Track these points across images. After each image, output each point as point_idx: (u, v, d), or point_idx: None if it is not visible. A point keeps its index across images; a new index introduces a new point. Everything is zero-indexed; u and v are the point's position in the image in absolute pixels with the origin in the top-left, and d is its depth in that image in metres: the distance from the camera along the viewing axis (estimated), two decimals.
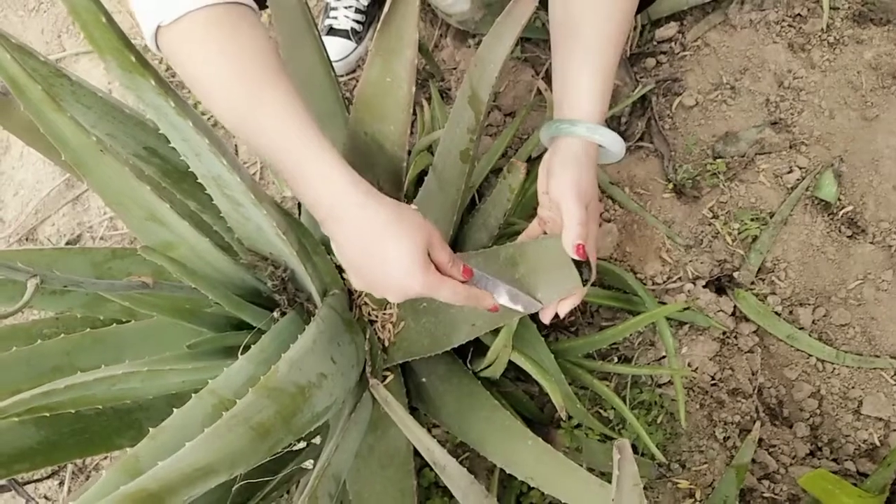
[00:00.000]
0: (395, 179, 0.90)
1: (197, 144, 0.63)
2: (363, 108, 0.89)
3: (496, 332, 0.96)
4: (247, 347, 0.78)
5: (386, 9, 0.79)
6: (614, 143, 0.83)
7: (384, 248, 0.72)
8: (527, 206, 1.16)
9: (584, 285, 0.81)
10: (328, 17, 1.56)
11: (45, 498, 1.36)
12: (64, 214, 1.65)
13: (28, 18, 1.90)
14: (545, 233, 0.88)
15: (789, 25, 1.35)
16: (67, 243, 1.60)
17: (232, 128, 0.71)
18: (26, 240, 1.66)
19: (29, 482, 1.22)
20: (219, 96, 0.70)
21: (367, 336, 0.98)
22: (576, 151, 0.82)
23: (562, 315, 0.85)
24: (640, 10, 1.24)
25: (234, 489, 0.80)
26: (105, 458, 1.30)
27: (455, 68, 1.50)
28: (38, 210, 1.67)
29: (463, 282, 0.77)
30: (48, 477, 1.28)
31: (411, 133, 1.43)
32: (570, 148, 0.83)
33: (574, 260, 0.79)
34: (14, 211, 1.70)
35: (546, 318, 0.86)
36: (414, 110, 1.43)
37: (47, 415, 0.70)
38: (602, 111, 0.83)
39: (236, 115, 0.70)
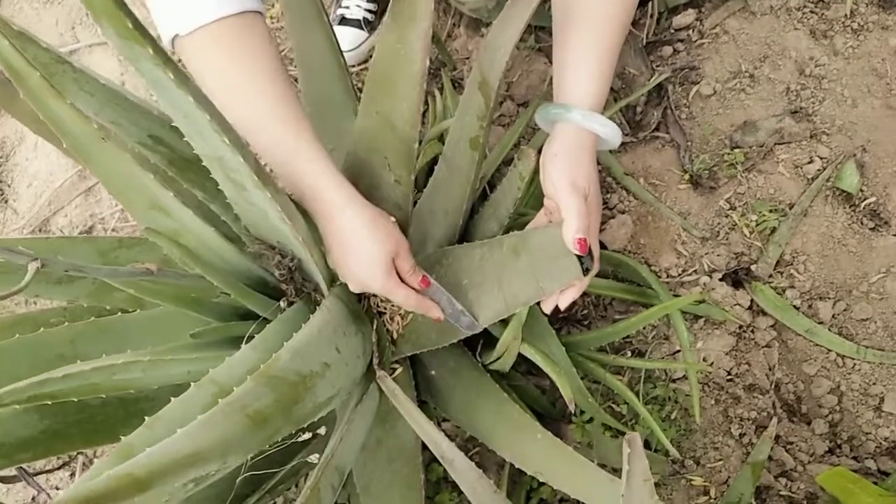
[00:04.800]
0: (406, 161, 0.88)
1: (197, 121, 0.62)
2: (374, 85, 0.87)
3: (505, 324, 0.94)
4: (252, 337, 0.77)
5: None
6: (609, 132, 0.82)
7: (354, 247, 0.82)
8: (538, 196, 1.13)
9: (584, 275, 0.80)
10: (340, 6, 1.55)
11: (57, 489, 1.36)
12: (77, 206, 1.66)
13: (43, 10, 1.90)
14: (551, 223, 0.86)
15: (811, 11, 1.31)
16: (80, 234, 1.61)
17: (242, 130, 0.76)
18: (40, 231, 1.67)
19: (40, 473, 1.22)
20: (231, 103, 0.75)
21: (375, 327, 0.97)
22: (569, 141, 0.81)
23: (562, 307, 0.84)
24: None
25: (238, 480, 0.79)
26: (113, 448, 1.30)
27: (468, 58, 1.47)
28: (52, 201, 1.68)
29: (419, 291, 0.86)
30: (59, 468, 1.28)
31: (423, 123, 1.41)
32: (564, 137, 0.82)
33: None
34: (28, 202, 1.71)
35: (547, 309, 0.86)
36: (426, 100, 1.41)
37: (49, 403, 0.69)
38: (598, 98, 0.82)
39: (247, 120, 0.76)
